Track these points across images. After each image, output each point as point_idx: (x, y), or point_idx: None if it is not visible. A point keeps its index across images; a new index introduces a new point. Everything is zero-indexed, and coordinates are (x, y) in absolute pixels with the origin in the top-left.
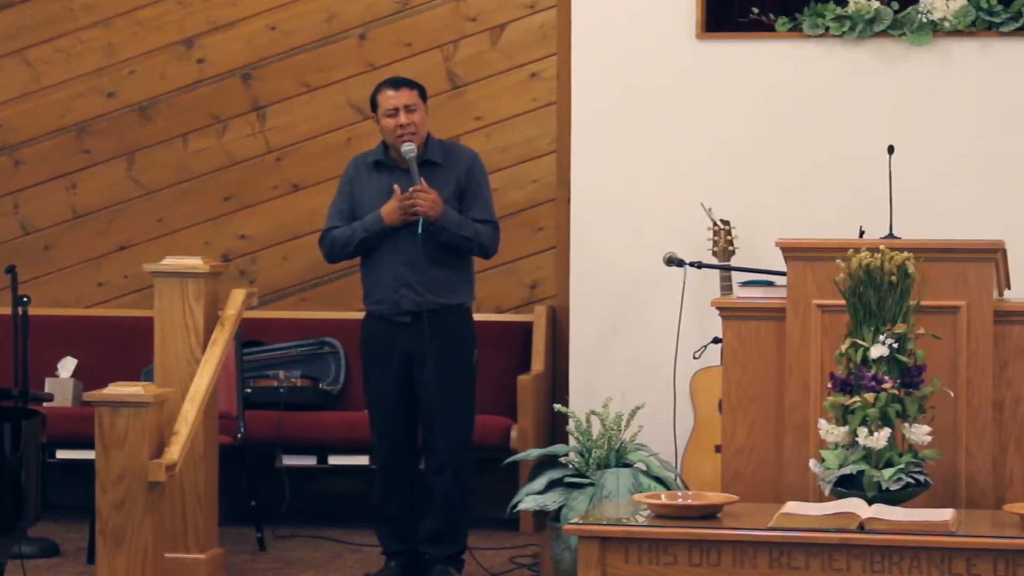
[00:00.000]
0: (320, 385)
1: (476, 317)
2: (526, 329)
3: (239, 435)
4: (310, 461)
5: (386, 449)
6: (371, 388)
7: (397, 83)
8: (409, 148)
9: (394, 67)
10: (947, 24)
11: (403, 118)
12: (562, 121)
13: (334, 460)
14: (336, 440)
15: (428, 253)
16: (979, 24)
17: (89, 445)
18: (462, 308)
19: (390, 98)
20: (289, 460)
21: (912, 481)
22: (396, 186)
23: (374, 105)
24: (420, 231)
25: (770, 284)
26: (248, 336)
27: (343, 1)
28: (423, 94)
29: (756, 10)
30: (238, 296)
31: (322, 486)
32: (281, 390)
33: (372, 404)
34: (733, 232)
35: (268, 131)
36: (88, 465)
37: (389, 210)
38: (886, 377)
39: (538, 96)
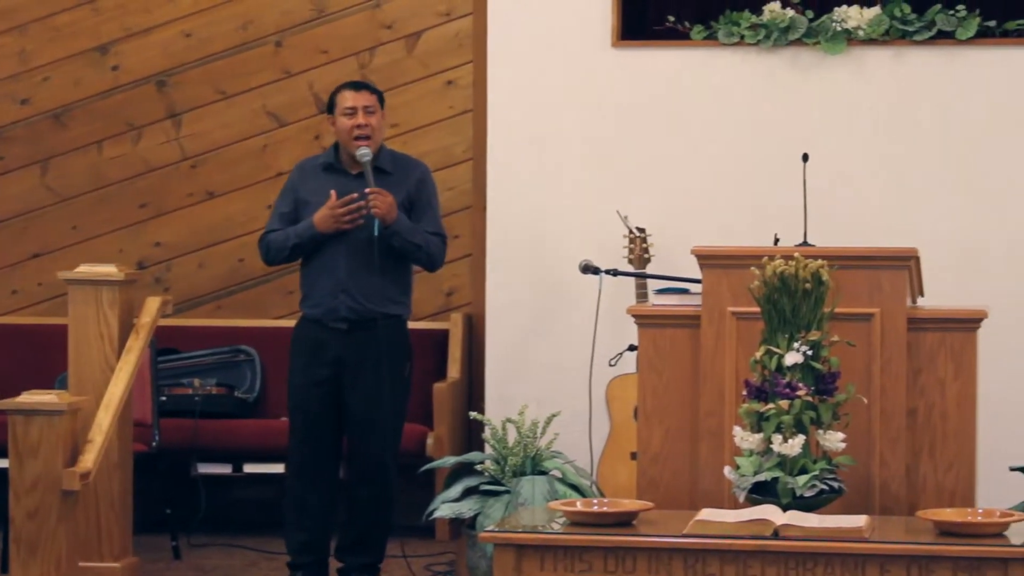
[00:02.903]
0: (235, 393)
1: None
2: (442, 337)
3: (154, 443)
4: (225, 469)
5: (305, 454)
6: (296, 392)
7: (358, 85)
8: (364, 152)
9: (310, 74)
10: (861, 33)
11: (361, 118)
12: (478, 129)
13: (249, 468)
14: (251, 448)
15: (374, 260)
16: (893, 33)
17: (2, 453)
18: (400, 320)
19: (349, 98)
20: (204, 468)
21: (826, 488)
22: (333, 192)
23: (331, 105)
24: (376, 234)
25: (685, 292)
26: (163, 344)
27: (259, 8)
28: (381, 100)
29: (672, 18)
30: (153, 304)
31: (237, 494)
32: (196, 398)
33: (295, 408)
34: (649, 240)
35: (183, 138)
36: (2, 474)
37: (321, 217)
38: (800, 384)
39: (454, 104)
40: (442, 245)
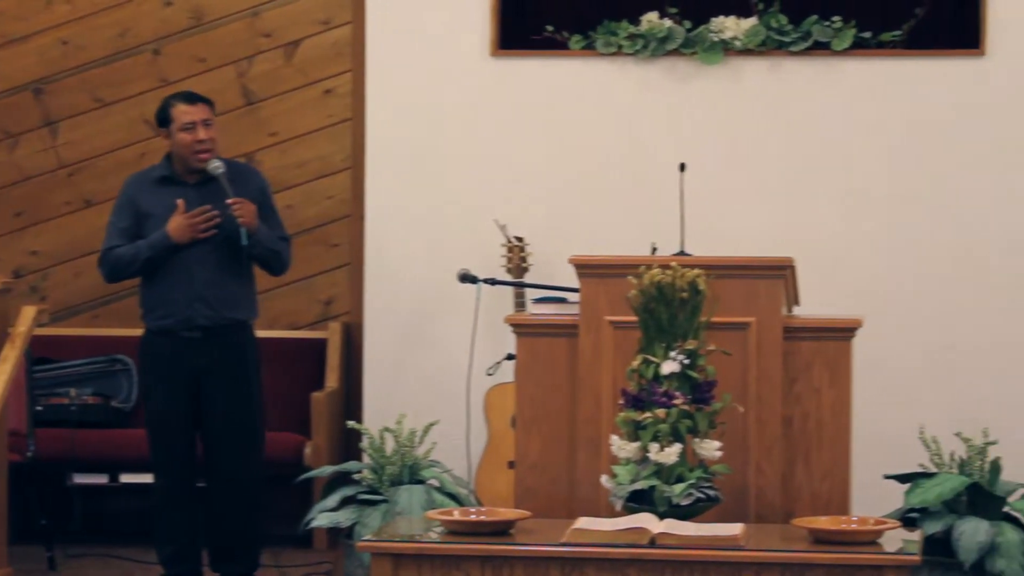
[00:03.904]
0: (112, 403)
1: (271, 334)
2: (320, 346)
3: (29, 453)
4: (101, 479)
5: (172, 467)
6: (156, 405)
7: (192, 98)
8: (217, 165)
9: (188, 82)
10: (738, 44)
11: (202, 133)
12: (357, 138)
13: (126, 478)
14: (128, 458)
15: (226, 269)
16: (769, 44)
17: None
18: (248, 324)
19: (187, 112)
20: (80, 478)
21: (702, 496)
22: (180, 201)
23: (165, 119)
24: (244, 243)
25: (563, 301)
26: (39, 353)
27: (136, 16)
28: (214, 110)
29: (550, 28)
30: (29, 313)
31: (114, 504)
32: (72, 408)
33: (157, 422)
34: (527, 249)
35: (60, 146)
36: None
37: (177, 227)
38: (677, 393)
39: (333, 112)
40: (289, 249)
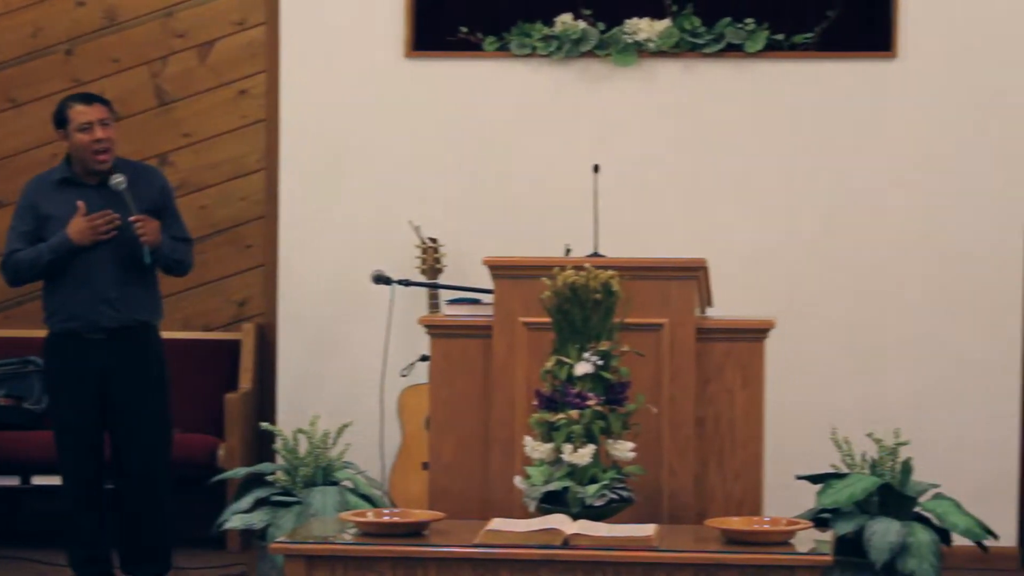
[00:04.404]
0: (24, 404)
1: (184, 335)
2: (233, 347)
3: None
4: (13, 481)
5: (80, 470)
6: (63, 408)
7: (89, 98)
8: (119, 180)
9: (101, 83)
10: (652, 45)
11: (99, 132)
12: (271, 139)
13: (38, 480)
14: (40, 460)
15: (129, 271)
16: (683, 46)
17: None
18: (153, 325)
19: (83, 113)
20: None
21: (616, 497)
22: (80, 203)
23: (63, 120)
24: (148, 261)
25: (477, 302)
26: None
27: (49, 16)
28: (112, 110)
29: (465, 29)
30: None
31: (26, 506)
32: None
33: (65, 425)
34: (441, 250)
35: None
36: None
37: (78, 230)
38: (590, 394)
39: (247, 113)
40: (191, 250)
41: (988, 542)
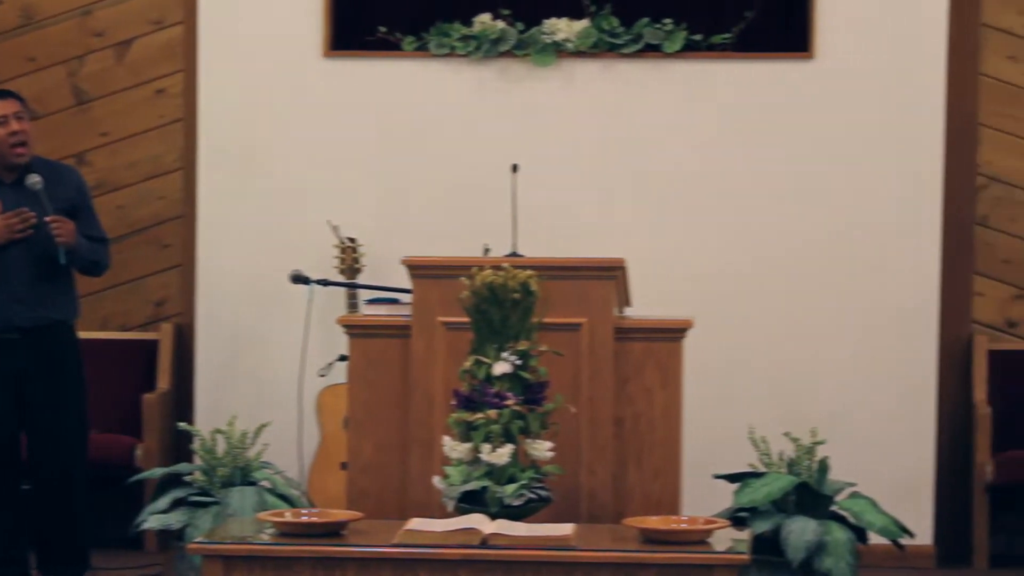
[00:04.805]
0: None
1: (101, 335)
2: (151, 347)
3: None
4: None
5: None
6: None
7: (1, 94)
8: (35, 180)
9: (18, 82)
10: (570, 45)
11: (14, 125)
12: (188, 138)
13: None
14: None
15: (44, 270)
16: (601, 46)
17: None
18: (69, 325)
19: None
20: None
21: (534, 496)
22: None
23: None
24: (63, 262)
25: (396, 302)
26: None
27: None
28: (26, 107)
29: (383, 29)
30: None
31: None
32: None
33: None
34: (359, 250)
35: None
36: None
37: None
38: (509, 394)
39: (165, 113)
40: (108, 250)
41: (904, 540)
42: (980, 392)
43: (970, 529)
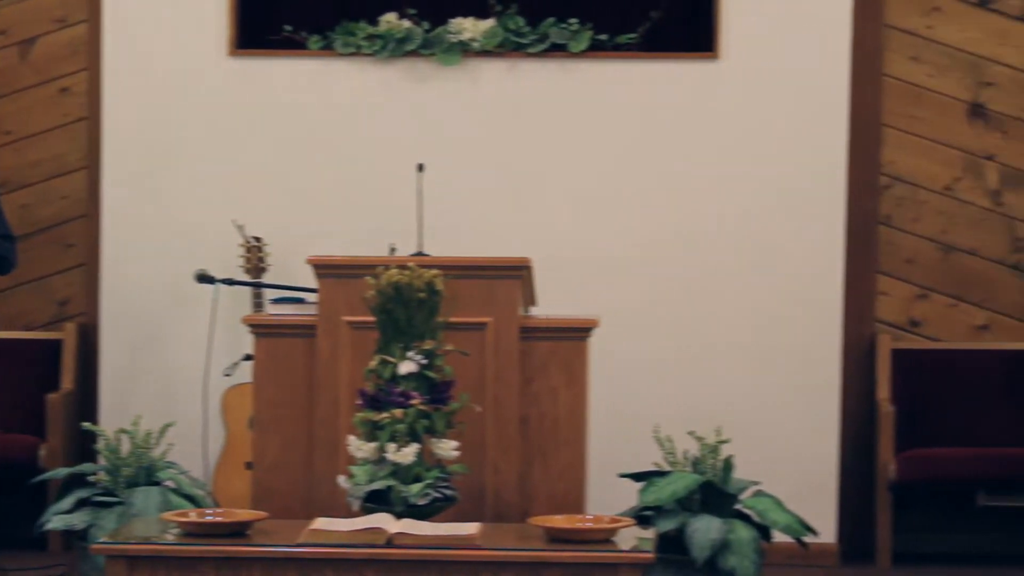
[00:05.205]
0: None
1: (4, 335)
2: (55, 347)
3: None
4: None
5: None
6: None
7: None
8: None
9: None
10: (476, 45)
11: None
12: (92, 137)
13: None
14: None
15: None
16: (507, 45)
17: None
18: None
19: None
20: None
21: (439, 496)
22: None
23: None
24: None
25: (301, 301)
26: None
27: None
28: None
29: (289, 28)
30: None
31: None
32: None
33: None
34: (265, 249)
35: None
36: None
37: None
38: (414, 393)
39: (68, 111)
40: (15, 248)
41: (808, 539)
42: (883, 391)
43: (873, 527)
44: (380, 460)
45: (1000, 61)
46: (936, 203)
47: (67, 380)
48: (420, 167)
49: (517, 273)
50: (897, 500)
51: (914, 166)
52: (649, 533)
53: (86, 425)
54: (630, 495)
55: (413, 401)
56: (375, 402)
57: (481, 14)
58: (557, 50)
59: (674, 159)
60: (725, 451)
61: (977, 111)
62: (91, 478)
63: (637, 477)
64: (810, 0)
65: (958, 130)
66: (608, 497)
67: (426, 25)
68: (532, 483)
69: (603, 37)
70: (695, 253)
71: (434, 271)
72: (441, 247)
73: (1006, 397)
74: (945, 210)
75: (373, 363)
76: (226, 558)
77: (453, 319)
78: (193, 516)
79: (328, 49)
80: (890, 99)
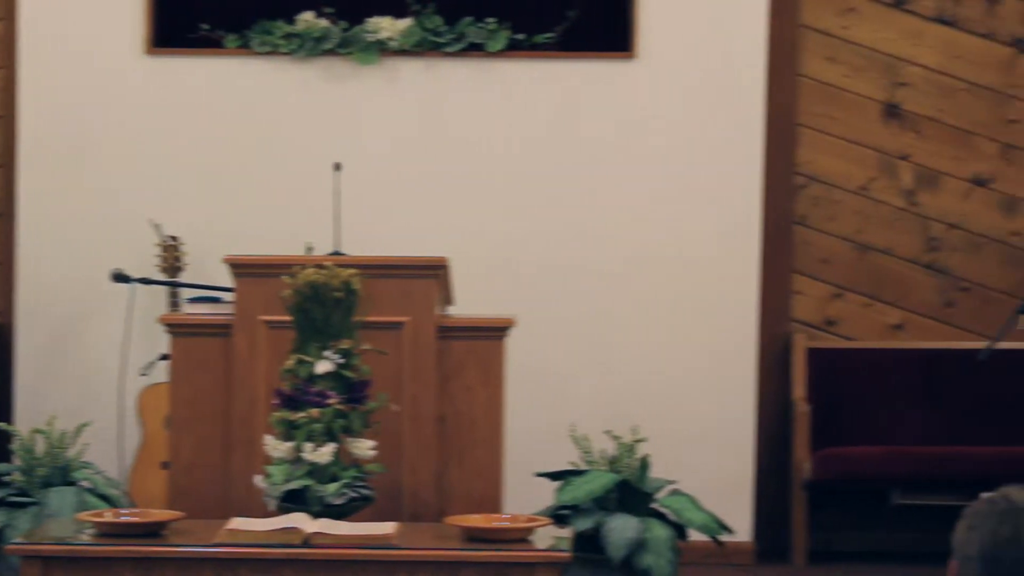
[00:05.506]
0: None
1: None
2: None
3: None
4: None
5: None
6: None
7: None
8: None
9: None
10: (394, 44)
11: None
12: (8, 135)
13: None
14: None
15: None
16: (425, 45)
17: None
18: None
19: None
20: None
21: (356, 495)
22: None
23: None
24: None
25: (218, 300)
26: None
27: None
28: None
29: (206, 26)
30: None
31: None
32: None
33: None
34: (181, 248)
35: None
36: None
37: None
38: (331, 392)
39: None
40: None
41: (724, 537)
42: (799, 390)
43: (788, 526)
44: (297, 460)
45: (915, 61)
46: (851, 203)
47: None
48: (337, 166)
49: (434, 273)
50: (812, 499)
51: (829, 166)
52: (566, 532)
53: (1, 425)
54: (547, 494)
55: (330, 400)
56: (292, 402)
57: (399, 13)
58: (475, 49)
59: (591, 158)
60: (641, 450)
61: (892, 111)
62: (6, 478)
63: (554, 476)
64: (727, 1)
65: (873, 130)
66: (525, 496)
67: (344, 24)
68: (449, 482)
69: (521, 37)
70: (612, 252)
71: (351, 270)
72: (358, 246)
73: (920, 396)
74: (860, 210)
75: (290, 362)
76: (141, 558)
77: (370, 318)
78: (109, 516)
79: (245, 48)
80: (806, 99)
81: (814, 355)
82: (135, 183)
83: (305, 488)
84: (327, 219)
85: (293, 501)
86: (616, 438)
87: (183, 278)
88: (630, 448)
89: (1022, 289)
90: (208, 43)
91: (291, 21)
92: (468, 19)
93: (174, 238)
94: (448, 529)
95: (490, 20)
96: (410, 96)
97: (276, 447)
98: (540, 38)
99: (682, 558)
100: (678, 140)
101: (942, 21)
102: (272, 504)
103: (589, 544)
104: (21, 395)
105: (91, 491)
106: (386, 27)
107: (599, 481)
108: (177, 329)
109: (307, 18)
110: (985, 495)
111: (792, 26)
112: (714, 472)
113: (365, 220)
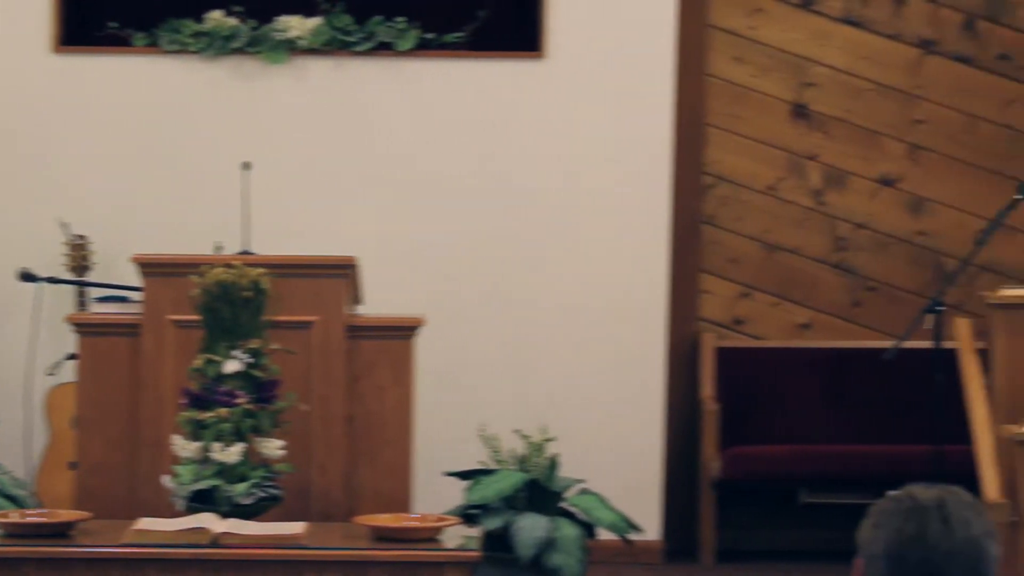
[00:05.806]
0: None
1: None
2: None
3: None
4: None
5: None
6: None
7: None
8: None
9: None
10: (303, 43)
11: None
12: None
13: None
14: None
15: None
16: (334, 44)
17: None
18: None
19: None
20: None
21: (265, 495)
22: None
23: None
24: None
25: (125, 300)
26: None
27: None
28: None
29: (115, 24)
30: None
31: None
32: None
33: None
34: (89, 247)
35: None
36: None
37: None
38: (240, 392)
39: None
40: None
41: (632, 536)
42: (707, 389)
43: (697, 524)
44: (205, 459)
45: (822, 62)
46: (759, 202)
47: None
48: (246, 165)
49: (343, 272)
50: (721, 497)
51: (737, 166)
52: (475, 531)
53: None
54: (456, 494)
55: (238, 400)
56: (200, 401)
57: (308, 12)
58: (384, 49)
59: (499, 158)
60: (550, 449)
61: (800, 111)
62: None
63: (463, 475)
64: (635, 1)
65: (781, 130)
66: (434, 496)
67: (253, 23)
68: (358, 482)
69: (430, 36)
70: (520, 251)
71: (260, 270)
72: (267, 246)
73: (828, 395)
74: (768, 209)
75: (198, 362)
76: (48, 559)
77: (279, 318)
78: (15, 517)
79: (154, 46)
80: (714, 99)
81: (722, 354)
82: (42, 182)
83: (213, 488)
84: (236, 218)
85: (201, 501)
86: (525, 437)
87: (91, 277)
88: (539, 447)
89: (929, 289)
90: (116, 41)
91: (200, 20)
92: (378, 18)
93: (82, 237)
94: (357, 529)
95: (400, 19)
96: (319, 95)
97: (184, 447)
98: (450, 37)
99: (591, 557)
100: (587, 139)
101: (849, 22)
102: (180, 504)
103: (498, 543)
104: None
105: None
106: (295, 26)
107: (508, 480)
108: (84, 329)
109: (216, 17)
110: (891, 493)
111: (700, 26)
112: (623, 471)
113: (274, 219)
